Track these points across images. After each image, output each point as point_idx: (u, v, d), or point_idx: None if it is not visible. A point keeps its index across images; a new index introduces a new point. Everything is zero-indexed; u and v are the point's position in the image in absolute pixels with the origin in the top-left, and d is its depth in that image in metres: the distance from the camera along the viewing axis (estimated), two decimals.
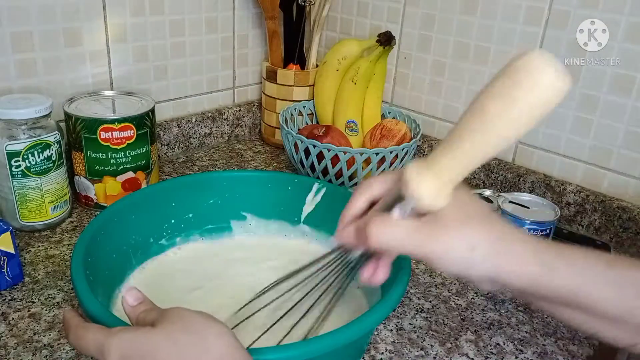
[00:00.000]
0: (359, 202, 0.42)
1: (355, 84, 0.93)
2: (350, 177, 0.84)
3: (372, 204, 0.43)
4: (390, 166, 0.83)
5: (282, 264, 0.62)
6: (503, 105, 0.32)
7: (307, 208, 0.66)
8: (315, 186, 0.66)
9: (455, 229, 0.37)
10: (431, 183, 0.36)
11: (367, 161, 0.83)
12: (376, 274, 0.43)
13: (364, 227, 0.39)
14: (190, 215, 0.65)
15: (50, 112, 0.70)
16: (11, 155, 0.67)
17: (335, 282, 0.46)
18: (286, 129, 0.86)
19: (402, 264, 0.49)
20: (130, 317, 0.41)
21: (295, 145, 0.85)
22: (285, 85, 1.00)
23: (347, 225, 0.43)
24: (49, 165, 0.70)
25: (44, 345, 0.54)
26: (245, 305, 0.51)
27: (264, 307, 0.50)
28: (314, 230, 0.67)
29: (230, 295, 0.57)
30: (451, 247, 0.37)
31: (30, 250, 0.69)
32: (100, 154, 0.75)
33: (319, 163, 0.83)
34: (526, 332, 0.61)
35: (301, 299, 0.48)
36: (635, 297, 0.37)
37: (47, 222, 0.73)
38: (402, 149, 0.83)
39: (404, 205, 0.38)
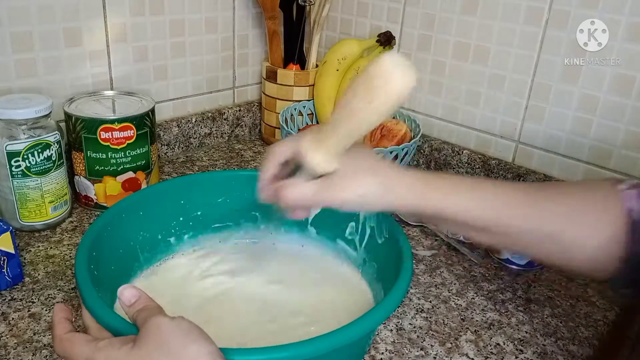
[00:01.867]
0: (269, 166, 0.52)
1: None
2: None
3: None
4: None
5: (289, 268, 0.62)
6: (366, 103, 0.43)
7: (315, 209, 0.65)
8: None
9: (346, 182, 0.48)
10: (320, 155, 0.47)
11: None
12: (298, 215, 0.55)
13: (278, 190, 0.50)
14: (199, 213, 0.64)
15: (50, 112, 0.70)
16: (11, 155, 0.67)
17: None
18: (286, 129, 0.86)
19: (404, 265, 0.50)
20: (128, 316, 0.42)
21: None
22: (285, 85, 1.00)
23: (265, 186, 0.53)
24: (49, 165, 0.70)
25: (44, 345, 0.54)
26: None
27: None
28: (320, 231, 0.66)
29: (240, 301, 0.58)
30: (345, 197, 0.49)
31: (30, 250, 0.69)
32: (100, 154, 0.75)
33: None
34: (526, 332, 0.61)
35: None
36: (491, 210, 0.49)
37: (47, 222, 0.73)
38: (402, 149, 0.83)
39: (304, 170, 0.48)
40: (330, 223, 0.64)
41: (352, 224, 0.62)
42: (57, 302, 0.60)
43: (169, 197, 0.62)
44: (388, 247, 0.56)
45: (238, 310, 0.56)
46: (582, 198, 0.49)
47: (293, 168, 0.51)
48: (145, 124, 0.77)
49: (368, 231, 0.60)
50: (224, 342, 0.38)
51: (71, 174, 0.78)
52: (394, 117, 0.96)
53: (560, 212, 0.48)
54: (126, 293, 0.42)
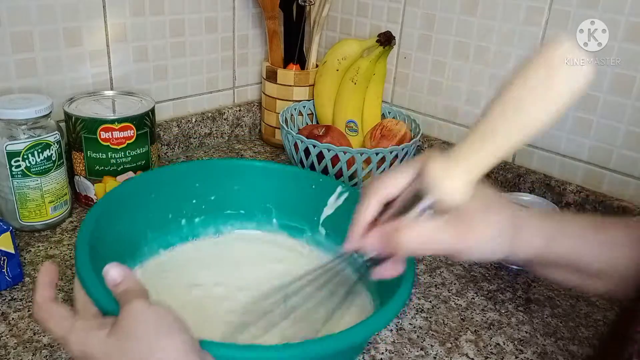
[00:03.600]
0: (372, 205, 0.41)
1: (355, 84, 0.93)
2: (350, 177, 0.84)
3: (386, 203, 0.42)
4: (390, 166, 0.83)
5: (296, 265, 0.62)
6: (539, 96, 0.33)
7: (328, 210, 0.64)
8: (339, 189, 0.64)
9: (480, 222, 0.39)
10: (461, 180, 0.36)
11: (367, 161, 0.83)
12: (392, 269, 0.43)
13: (390, 236, 0.39)
14: (213, 197, 0.64)
15: (50, 112, 0.70)
16: (11, 155, 0.67)
17: (343, 284, 0.45)
18: (286, 129, 0.86)
19: (406, 268, 0.48)
20: (113, 295, 0.40)
21: (295, 145, 0.85)
22: (285, 85, 1.00)
23: (363, 230, 0.41)
24: (49, 165, 0.70)
25: (44, 345, 0.54)
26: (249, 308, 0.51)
27: (268, 310, 0.49)
28: (329, 233, 0.65)
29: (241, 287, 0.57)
30: (479, 241, 0.39)
31: (30, 250, 0.69)
32: (100, 154, 0.75)
33: (319, 163, 0.83)
34: (526, 332, 0.61)
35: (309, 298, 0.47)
36: (614, 251, 0.43)
37: (47, 222, 0.73)
38: (402, 149, 0.83)
39: (426, 204, 0.37)
40: (343, 224, 0.63)
41: None
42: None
43: (186, 178, 0.62)
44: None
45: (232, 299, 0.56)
46: None
47: (403, 205, 0.39)
48: (145, 124, 0.77)
49: None
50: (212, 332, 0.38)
51: (71, 174, 0.78)
52: (394, 117, 0.96)
53: None
54: (112, 272, 0.40)
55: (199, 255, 0.63)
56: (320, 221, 0.65)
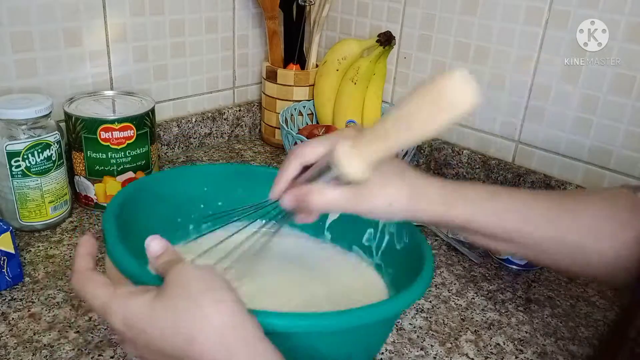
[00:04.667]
0: (292, 166, 0.49)
1: (355, 83, 0.93)
2: None
3: (305, 167, 0.50)
4: None
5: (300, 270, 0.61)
6: (427, 115, 0.39)
7: (333, 215, 0.64)
8: None
9: (376, 191, 0.47)
10: (359, 163, 0.44)
11: None
12: (307, 218, 0.51)
13: (302, 197, 0.47)
14: (220, 203, 0.63)
15: (50, 112, 0.70)
16: (11, 155, 0.67)
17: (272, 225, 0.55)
18: (286, 129, 0.86)
19: (426, 262, 0.50)
20: (152, 267, 0.41)
21: (295, 145, 0.85)
22: (285, 85, 1.00)
23: (283, 187, 0.49)
24: (49, 165, 0.70)
25: (44, 345, 0.54)
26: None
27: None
28: (335, 238, 0.64)
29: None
30: (374, 205, 0.47)
31: (30, 250, 0.69)
32: (100, 154, 0.75)
33: None
34: (526, 332, 0.61)
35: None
36: (515, 221, 0.48)
37: (47, 222, 0.73)
38: (402, 149, 0.83)
39: (333, 174, 0.46)
40: (349, 229, 0.62)
41: (371, 230, 0.61)
42: (57, 302, 0.60)
43: (195, 182, 0.62)
44: (407, 252, 0.55)
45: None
46: (601, 208, 0.50)
47: (317, 170, 0.48)
48: (145, 124, 0.77)
49: (387, 237, 0.59)
50: None
51: (71, 174, 0.78)
52: None
53: (582, 223, 0.48)
54: (154, 244, 0.42)
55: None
56: (326, 226, 0.64)
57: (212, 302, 0.36)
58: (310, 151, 0.48)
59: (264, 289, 0.55)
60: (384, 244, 0.59)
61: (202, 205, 0.62)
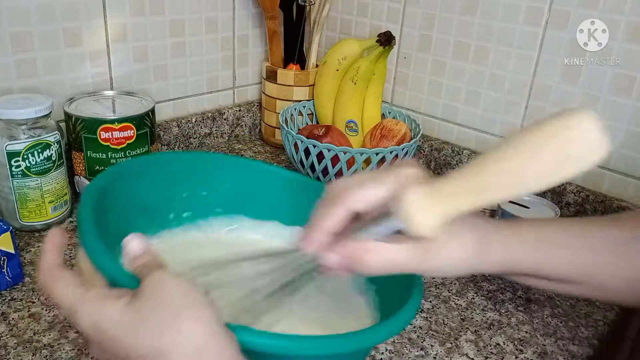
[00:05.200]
0: (339, 215, 0.39)
1: (355, 84, 0.93)
2: None
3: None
4: None
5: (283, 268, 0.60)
6: (545, 168, 0.32)
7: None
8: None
9: (447, 248, 0.39)
10: (434, 219, 0.36)
11: (367, 161, 0.83)
12: (343, 273, 0.42)
13: (355, 258, 0.39)
14: (205, 193, 0.60)
15: (50, 112, 0.70)
16: (11, 155, 0.67)
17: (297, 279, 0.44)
18: (286, 129, 0.86)
19: (414, 282, 0.45)
20: (129, 267, 0.38)
21: (295, 145, 0.85)
22: (285, 85, 1.00)
23: (324, 240, 0.40)
24: (49, 165, 0.70)
25: (44, 345, 0.54)
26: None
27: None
28: None
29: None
30: (442, 264, 0.40)
31: (30, 250, 0.69)
32: (100, 154, 0.75)
33: (319, 163, 0.83)
34: (526, 332, 0.61)
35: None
36: (588, 264, 0.44)
37: (47, 222, 0.73)
38: (402, 149, 0.83)
39: (394, 226, 0.37)
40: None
41: None
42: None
43: (181, 168, 0.59)
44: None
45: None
46: None
47: (369, 221, 0.39)
48: (145, 124, 0.77)
49: None
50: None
51: (71, 174, 0.78)
52: (394, 117, 0.96)
53: None
54: (134, 244, 0.38)
55: (188, 247, 0.58)
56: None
57: (190, 319, 0.33)
58: (365, 197, 0.39)
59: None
60: None
61: (184, 194, 0.59)
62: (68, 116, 0.74)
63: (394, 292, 0.46)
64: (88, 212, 0.43)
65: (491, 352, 0.57)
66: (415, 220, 0.36)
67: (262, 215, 0.63)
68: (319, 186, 0.63)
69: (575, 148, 0.31)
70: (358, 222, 0.40)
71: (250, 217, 0.63)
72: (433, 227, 0.36)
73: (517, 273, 0.45)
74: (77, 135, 0.74)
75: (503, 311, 0.64)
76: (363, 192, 0.39)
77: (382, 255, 0.38)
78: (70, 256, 0.68)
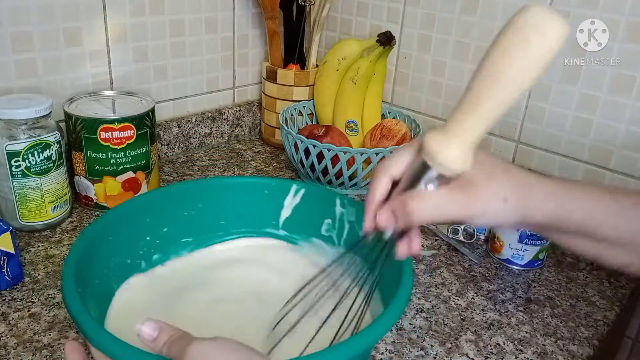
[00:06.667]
0: (381, 185, 0.42)
1: (355, 84, 0.93)
2: (350, 177, 0.84)
3: (394, 184, 0.43)
4: None
5: (277, 268, 0.60)
6: (517, 60, 0.34)
7: (286, 212, 0.62)
8: (294, 187, 0.61)
9: (486, 187, 0.39)
10: (457, 148, 0.37)
11: (367, 161, 0.83)
12: (412, 246, 0.44)
13: (400, 207, 0.40)
14: (166, 229, 0.59)
15: (50, 112, 0.70)
16: (11, 155, 0.67)
17: (363, 281, 0.47)
18: (286, 129, 0.86)
19: (404, 269, 0.47)
20: (156, 351, 0.37)
21: (295, 145, 0.85)
22: (285, 85, 1.00)
23: (378, 210, 0.42)
24: (49, 165, 0.70)
25: (44, 345, 0.54)
26: (277, 321, 0.49)
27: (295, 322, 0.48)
28: (293, 234, 0.63)
29: (236, 301, 0.55)
30: (487, 205, 0.40)
31: (30, 250, 0.69)
32: (100, 154, 0.75)
33: (319, 163, 0.83)
34: (526, 332, 0.61)
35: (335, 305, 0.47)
36: (635, 222, 0.42)
37: (47, 222, 0.73)
38: None
39: (430, 175, 0.39)
40: (305, 222, 0.61)
41: (329, 220, 0.59)
42: (57, 302, 0.60)
43: (136, 217, 0.57)
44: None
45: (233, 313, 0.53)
46: None
47: (409, 178, 0.41)
48: (145, 124, 0.77)
49: (347, 226, 0.58)
50: None
51: (71, 174, 0.78)
52: (394, 117, 0.96)
53: None
54: (145, 328, 0.37)
55: (174, 281, 0.58)
56: (280, 224, 0.63)
57: None
58: (396, 161, 0.42)
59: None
60: (345, 233, 0.58)
61: (147, 238, 0.58)
62: (68, 116, 0.74)
63: (386, 277, 0.48)
64: (79, 306, 0.41)
65: (491, 352, 0.57)
66: (440, 156, 0.38)
67: (233, 231, 0.64)
68: (258, 182, 0.64)
69: (533, 32, 0.34)
70: (402, 183, 0.42)
71: (220, 239, 0.63)
72: (460, 158, 0.38)
73: (566, 227, 0.43)
74: (77, 135, 0.74)
75: (503, 311, 0.64)
76: (394, 157, 0.42)
77: (427, 201, 0.39)
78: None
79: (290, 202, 0.62)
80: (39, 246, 0.70)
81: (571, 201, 0.42)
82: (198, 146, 1.03)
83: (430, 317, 0.62)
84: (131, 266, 0.57)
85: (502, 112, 0.37)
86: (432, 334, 0.59)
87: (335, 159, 0.82)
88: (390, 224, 0.42)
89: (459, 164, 0.38)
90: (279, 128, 1.00)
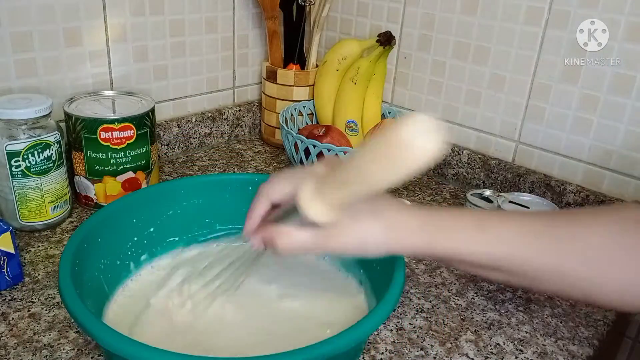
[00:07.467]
0: (260, 207, 0.50)
1: (355, 84, 0.93)
2: None
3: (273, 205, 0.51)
4: None
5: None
6: (384, 167, 0.38)
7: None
8: None
9: (345, 229, 0.46)
10: (321, 209, 0.44)
11: None
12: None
13: (270, 240, 0.48)
14: (152, 229, 0.61)
15: (50, 112, 0.70)
16: (11, 155, 0.67)
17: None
18: (286, 129, 0.86)
19: (397, 264, 0.50)
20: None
21: (295, 145, 0.85)
22: (285, 85, 1.00)
23: (254, 225, 0.51)
24: (49, 165, 0.70)
25: (44, 345, 0.54)
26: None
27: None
28: None
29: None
30: (346, 244, 0.47)
31: (30, 250, 0.69)
32: (100, 154, 0.75)
33: None
34: (526, 332, 0.61)
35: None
36: (505, 253, 0.47)
37: (47, 222, 0.73)
38: None
39: (302, 217, 0.45)
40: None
41: None
42: (57, 302, 0.60)
43: (122, 218, 0.59)
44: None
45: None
46: (606, 231, 0.46)
47: (285, 210, 0.48)
48: (145, 124, 0.77)
49: None
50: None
51: (71, 174, 0.78)
52: (394, 117, 0.96)
53: (583, 251, 0.46)
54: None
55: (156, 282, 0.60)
56: None
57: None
58: (277, 190, 0.49)
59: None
60: None
61: (135, 238, 0.60)
62: (68, 116, 0.74)
63: (378, 270, 0.53)
64: (91, 318, 0.43)
65: (491, 352, 0.57)
66: (307, 210, 0.44)
67: (218, 228, 0.66)
68: (242, 178, 0.67)
69: (404, 150, 0.36)
70: (279, 210, 0.49)
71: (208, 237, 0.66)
72: (322, 214, 0.44)
73: (434, 257, 0.50)
74: (77, 135, 0.74)
75: (503, 311, 0.64)
76: (277, 186, 0.49)
77: (291, 238, 0.47)
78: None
79: None
80: (39, 246, 0.70)
81: (439, 241, 0.47)
82: (198, 146, 1.03)
83: (430, 317, 0.62)
84: (120, 267, 0.59)
85: (365, 195, 0.42)
86: (432, 334, 0.59)
87: None
88: (260, 247, 0.51)
89: (324, 218, 0.44)
90: (279, 128, 1.00)
